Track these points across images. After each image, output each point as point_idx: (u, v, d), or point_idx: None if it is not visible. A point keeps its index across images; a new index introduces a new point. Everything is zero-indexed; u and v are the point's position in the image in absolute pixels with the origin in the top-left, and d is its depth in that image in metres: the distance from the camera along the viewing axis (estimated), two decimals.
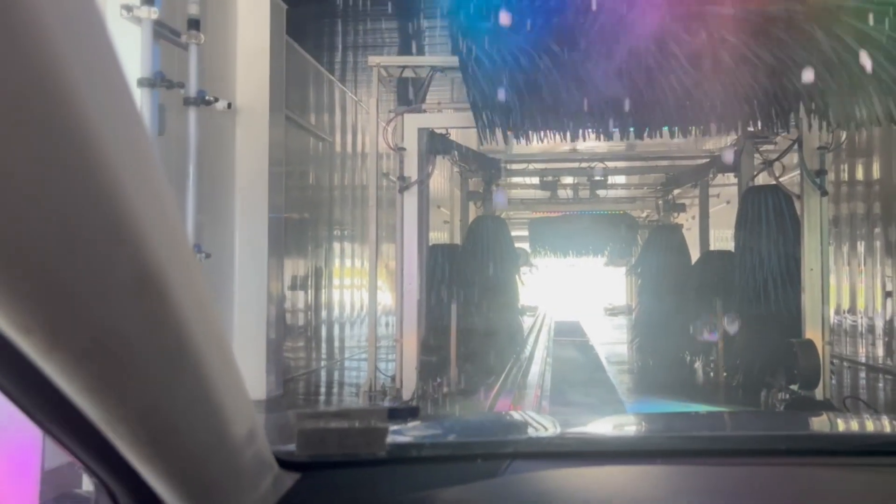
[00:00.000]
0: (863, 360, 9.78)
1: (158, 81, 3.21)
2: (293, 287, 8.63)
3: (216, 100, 3.91)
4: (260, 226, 6.87)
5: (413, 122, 6.62)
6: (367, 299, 8.14)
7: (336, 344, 10.43)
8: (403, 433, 1.19)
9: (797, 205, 6.57)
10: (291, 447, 0.96)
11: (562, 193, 12.78)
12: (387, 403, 6.26)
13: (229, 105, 6.79)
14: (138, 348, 0.56)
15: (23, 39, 0.41)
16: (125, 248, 0.51)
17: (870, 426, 1.66)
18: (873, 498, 1.06)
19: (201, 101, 3.75)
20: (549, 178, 12.05)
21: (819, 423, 1.69)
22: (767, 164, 7.03)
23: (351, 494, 1.01)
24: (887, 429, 1.55)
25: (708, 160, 9.63)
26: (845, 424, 1.69)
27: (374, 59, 7.14)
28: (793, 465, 1.14)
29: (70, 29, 0.44)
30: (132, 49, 3.09)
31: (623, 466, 1.13)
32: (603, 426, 1.57)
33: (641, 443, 1.30)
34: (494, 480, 1.04)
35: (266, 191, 6.89)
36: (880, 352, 9.34)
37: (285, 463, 0.98)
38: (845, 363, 9.74)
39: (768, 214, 6.70)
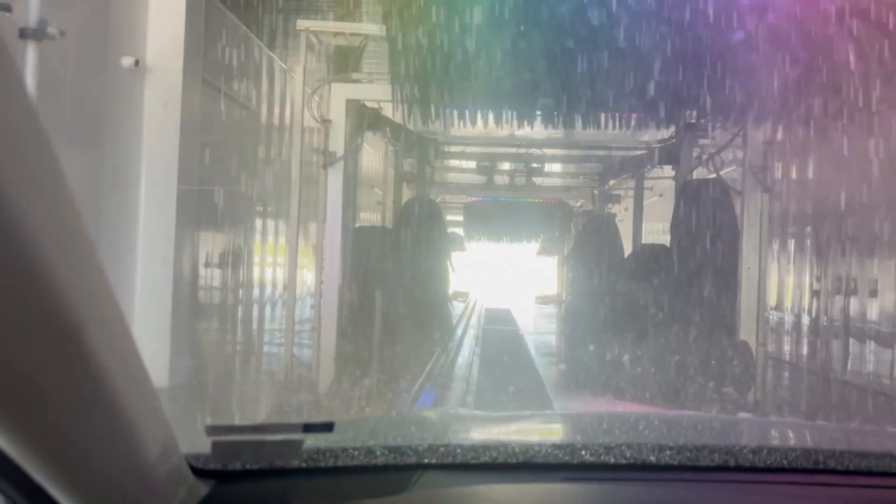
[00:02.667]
0: (787, 358, 9.86)
1: None
2: (208, 264, 8.06)
3: (62, 34, 3.19)
4: (168, 197, 6.27)
5: (341, 93, 6.16)
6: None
7: (254, 326, 9.88)
8: (320, 439, 1.16)
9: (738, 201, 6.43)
10: (205, 452, 0.94)
11: (498, 179, 12.53)
12: (302, 396, 5.84)
13: (137, 62, 6.18)
14: (47, 383, 0.57)
15: None
16: (30, 294, 0.51)
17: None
18: None
19: (42, 34, 2.99)
20: (486, 163, 11.75)
21: (736, 434, 1.57)
22: (709, 157, 6.87)
23: (264, 503, 1.02)
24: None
25: (645, 151, 9.48)
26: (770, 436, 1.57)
27: (302, 24, 6.63)
28: (711, 483, 1.11)
29: None
30: None
31: (538, 484, 1.10)
32: (520, 432, 1.48)
33: (558, 454, 1.18)
34: (403, 495, 1.04)
35: (176, 160, 6.29)
36: (804, 350, 9.42)
37: (199, 470, 0.98)
38: (770, 361, 9.80)
39: (706, 209, 6.54)
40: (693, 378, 6.13)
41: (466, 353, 9.47)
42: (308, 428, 0.96)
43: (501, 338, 12.05)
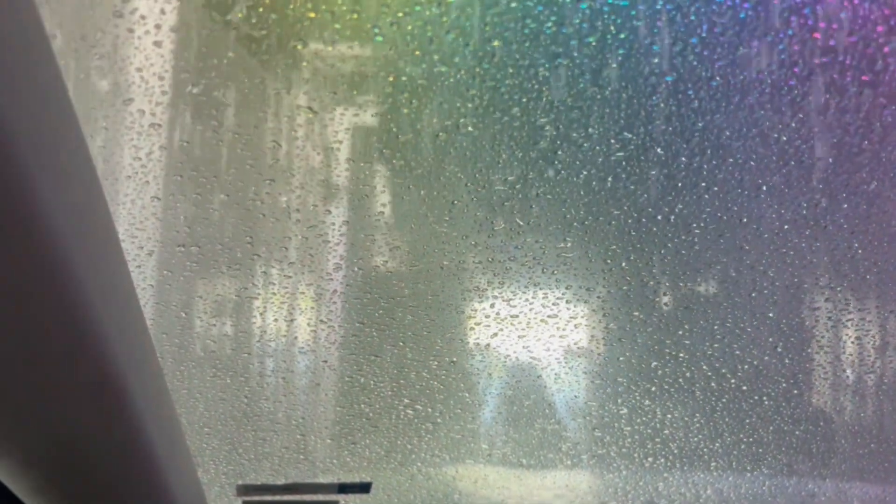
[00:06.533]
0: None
1: None
2: None
3: None
4: None
5: None
6: None
7: None
8: (356, 500, 1.17)
9: None
10: None
11: None
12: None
13: None
14: (90, 449, 0.55)
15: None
16: (84, 365, 0.50)
17: None
18: None
19: None
20: None
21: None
22: None
23: None
24: None
25: None
26: None
27: None
28: None
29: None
30: None
31: None
32: (552, 489, 1.53)
33: None
34: None
35: None
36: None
37: None
38: None
39: None
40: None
41: None
42: (343, 488, 0.97)
43: None
